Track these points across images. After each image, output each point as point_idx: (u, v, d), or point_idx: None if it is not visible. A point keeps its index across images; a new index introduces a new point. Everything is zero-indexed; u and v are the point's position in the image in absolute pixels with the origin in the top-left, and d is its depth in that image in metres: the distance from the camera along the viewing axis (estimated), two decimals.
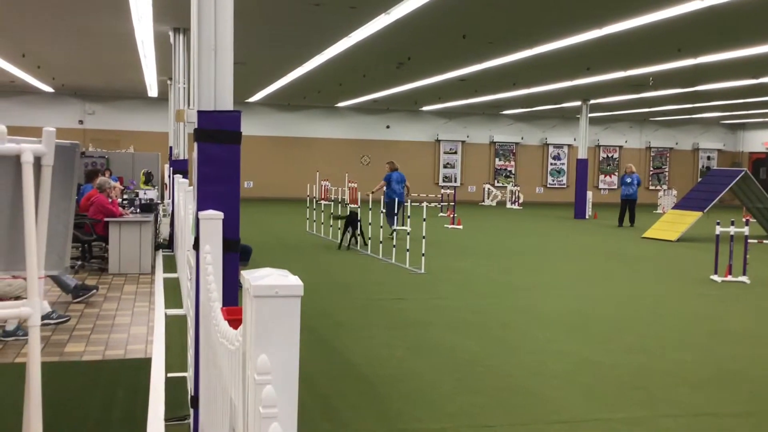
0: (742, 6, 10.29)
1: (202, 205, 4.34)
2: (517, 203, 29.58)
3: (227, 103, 4.38)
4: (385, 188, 16.70)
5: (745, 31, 12.33)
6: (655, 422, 5.07)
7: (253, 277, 1.96)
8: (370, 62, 16.84)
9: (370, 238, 14.52)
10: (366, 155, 31.92)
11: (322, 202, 20.49)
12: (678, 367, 6.52)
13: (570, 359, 6.67)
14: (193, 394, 4.54)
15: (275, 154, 30.64)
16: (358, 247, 14.27)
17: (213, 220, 4.25)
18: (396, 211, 15.62)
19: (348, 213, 14.60)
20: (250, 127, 28.25)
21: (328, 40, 13.97)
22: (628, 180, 21.65)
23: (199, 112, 4.35)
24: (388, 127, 32.08)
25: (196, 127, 4.37)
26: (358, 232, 14.39)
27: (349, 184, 26.41)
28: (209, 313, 3.58)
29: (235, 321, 2.98)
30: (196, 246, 4.32)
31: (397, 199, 15.75)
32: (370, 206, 15.16)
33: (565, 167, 34.09)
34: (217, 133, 4.33)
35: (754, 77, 17.91)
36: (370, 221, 15.03)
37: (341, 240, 14.44)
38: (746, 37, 12.85)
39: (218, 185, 4.38)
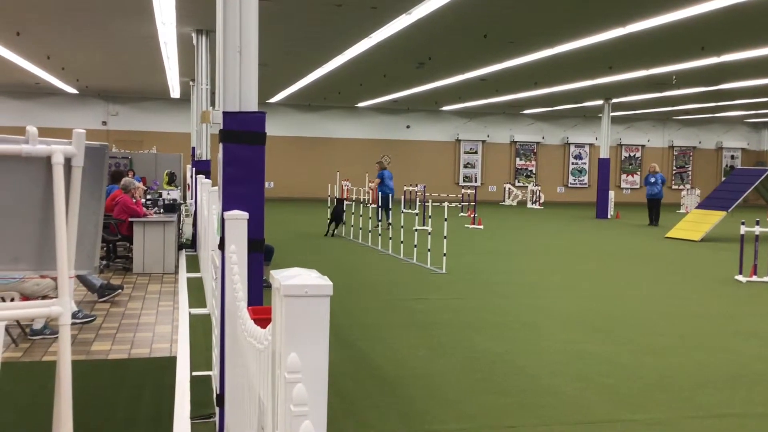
0: (765, 3, 10.18)
1: (227, 205, 4.39)
2: (538, 203, 29.45)
3: (252, 104, 4.42)
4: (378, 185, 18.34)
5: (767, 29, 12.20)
6: (679, 424, 5.04)
7: (283, 277, 1.98)
8: (391, 62, 16.86)
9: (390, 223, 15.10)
10: (386, 155, 31.93)
11: (344, 202, 20.61)
12: (702, 367, 6.46)
13: (592, 360, 6.64)
14: (218, 392, 4.59)
15: (296, 154, 30.75)
16: (342, 234, 15.96)
17: (238, 220, 4.29)
18: (390, 206, 17.49)
19: (335, 205, 16.41)
20: (270, 128, 28.36)
21: (349, 40, 14.02)
22: (652, 180, 21.55)
23: (225, 113, 4.39)
24: (408, 127, 32.07)
25: (221, 128, 4.41)
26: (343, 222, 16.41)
27: (370, 185, 26.44)
28: (235, 312, 3.62)
29: (261, 320, 3.01)
30: (222, 246, 4.37)
31: (390, 195, 17.67)
32: (390, 206, 15.17)
33: (586, 167, 33.88)
34: (243, 134, 4.37)
35: None
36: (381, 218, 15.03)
37: (327, 230, 16.38)
38: None
39: (243, 186, 4.42)
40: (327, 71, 18.49)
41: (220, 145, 4.46)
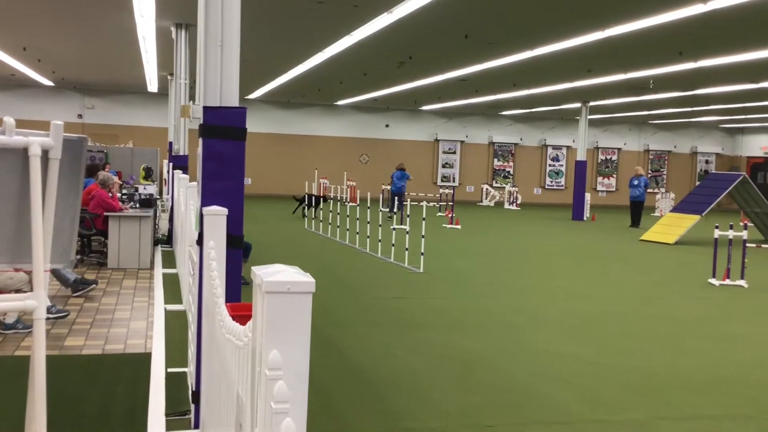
0: (743, 11, 10.31)
1: (206, 201, 4.35)
2: (515, 204, 29.60)
3: (233, 100, 4.39)
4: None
5: (745, 36, 12.35)
6: (654, 425, 5.08)
7: (265, 273, 1.96)
8: (371, 61, 16.85)
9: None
10: (365, 154, 31.93)
11: (321, 200, 20.58)
12: (677, 369, 6.53)
13: (569, 360, 6.69)
14: (194, 389, 4.55)
15: (274, 151, 30.63)
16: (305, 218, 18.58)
17: (217, 216, 4.26)
18: (396, 202, 19.76)
19: (303, 196, 19.36)
20: (249, 124, 28.12)
21: (329, 38, 13.98)
22: (636, 182, 21.93)
23: (205, 108, 4.35)
24: (387, 125, 32.08)
25: (201, 122, 4.38)
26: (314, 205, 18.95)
27: (348, 183, 26.41)
28: (213, 308, 3.59)
29: (240, 317, 2.99)
30: (200, 242, 4.33)
31: (393, 191, 20.64)
32: (368, 204, 15.17)
33: (563, 169, 34.13)
34: (223, 129, 4.34)
35: (754, 82, 17.94)
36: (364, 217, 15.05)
37: (295, 210, 19.93)
38: (746, 42, 12.88)
39: (223, 181, 4.39)
40: (307, 68, 18.43)
41: (200, 140, 4.42)
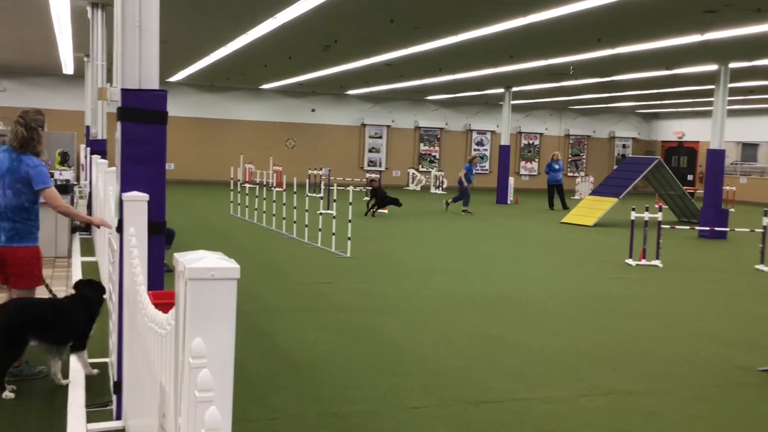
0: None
1: (126, 186, 4.23)
2: (441, 188, 29.91)
3: (153, 82, 4.27)
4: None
5: (659, 24, 12.77)
6: (574, 401, 5.25)
7: (188, 260, 1.92)
8: (297, 44, 16.66)
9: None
10: (291, 138, 31.64)
11: (247, 185, 20.21)
12: (595, 347, 6.75)
13: (494, 341, 6.82)
14: (116, 379, 4.43)
15: (197, 135, 30.01)
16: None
17: (138, 201, 4.14)
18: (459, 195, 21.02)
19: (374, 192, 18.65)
20: (170, 108, 27.34)
21: (253, 20, 13.73)
22: (556, 166, 22.54)
23: (123, 91, 4.22)
24: (313, 110, 31.85)
25: (119, 106, 4.24)
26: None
27: (274, 168, 26.13)
28: (135, 297, 3.50)
29: (162, 305, 2.92)
30: (120, 229, 4.21)
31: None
32: (295, 189, 15.05)
33: (488, 153, 34.66)
34: (143, 113, 4.22)
35: (668, 68, 18.60)
36: (293, 204, 14.92)
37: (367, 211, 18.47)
38: (661, 30, 13.32)
39: (143, 166, 4.27)
40: (230, 51, 18.08)
41: (118, 124, 4.29)
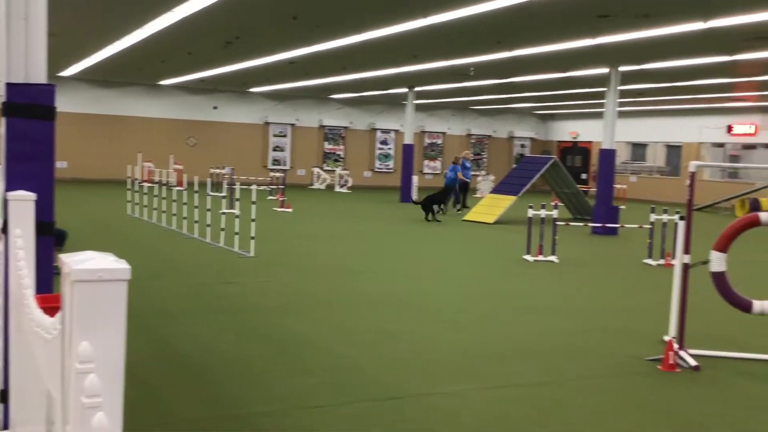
0: (555, 3, 11.03)
1: (11, 185, 4.03)
2: (345, 187, 29.98)
3: (40, 76, 4.09)
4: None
5: (556, 28, 13.24)
6: (470, 395, 5.37)
7: (74, 261, 1.85)
8: (197, 39, 16.31)
9: None
10: (192, 136, 30.95)
11: (145, 184, 19.61)
12: (495, 341, 6.94)
13: (398, 338, 6.90)
14: (1, 387, 4.22)
15: (92, 132, 28.91)
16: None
17: (24, 201, 3.95)
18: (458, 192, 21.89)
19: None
20: (63, 103, 26.32)
21: (149, 13, 13.34)
22: (468, 165, 23.04)
23: (8, 85, 4.02)
24: (215, 107, 31.26)
25: (4, 100, 4.04)
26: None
27: (175, 166, 25.48)
28: (21, 300, 3.34)
29: (51, 309, 2.80)
30: (5, 230, 4.01)
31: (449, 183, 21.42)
32: (196, 188, 14.74)
33: (392, 152, 34.98)
34: (29, 108, 4.03)
35: (563, 71, 19.31)
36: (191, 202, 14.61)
37: (426, 215, 18.68)
38: (557, 33, 13.81)
39: (30, 164, 4.09)
40: (126, 46, 17.50)
41: (3, 120, 4.08)
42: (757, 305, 6.46)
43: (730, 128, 28.89)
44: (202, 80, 26.73)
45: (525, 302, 8.93)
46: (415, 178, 25.85)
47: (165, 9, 12.77)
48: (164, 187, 15.62)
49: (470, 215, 19.13)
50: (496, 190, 20.21)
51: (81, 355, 1.72)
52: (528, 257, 12.34)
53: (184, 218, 14.03)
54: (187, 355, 6.07)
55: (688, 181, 6.64)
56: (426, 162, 36.00)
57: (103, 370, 1.80)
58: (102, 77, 27.66)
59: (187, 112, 30.82)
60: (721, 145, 30.22)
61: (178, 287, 8.88)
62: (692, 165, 6.71)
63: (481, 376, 5.83)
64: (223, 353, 6.14)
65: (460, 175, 21.78)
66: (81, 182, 27.49)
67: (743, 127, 28.50)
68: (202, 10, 12.45)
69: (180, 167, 24.89)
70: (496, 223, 18.19)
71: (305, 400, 5.09)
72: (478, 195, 29.84)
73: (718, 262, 6.42)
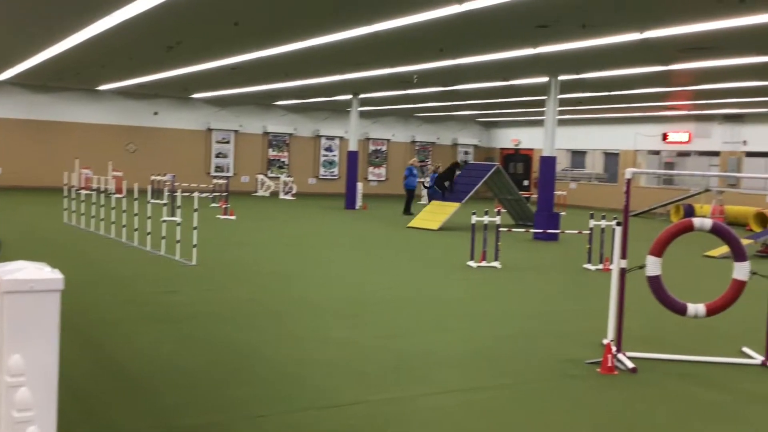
0: (496, 12, 11.19)
1: None
2: (290, 194, 29.79)
3: None
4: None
5: (497, 37, 13.44)
6: (413, 401, 5.40)
7: (4, 271, 1.80)
8: (137, 44, 16.00)
9: None
10: (132, 142, 30.34)
11: (83, 191, 19.11)
12: (436, 347, 6.98)
13: (338, 345, 6.88)
14: None
15: (27, 138, 28.08)
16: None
17: None
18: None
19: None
20: None
21: (87, 17, 13.03)
22: (415, 172, 23.32)
23: None
24: (156, 113, 30.72)
25: None
26: None
27: (114, 173, 24.91)
28: None
29: None
30: None
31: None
32: (136, 196, 14.46)
33: (336, 159, 34.93)
34: None
35: (505, 80, 19.61)
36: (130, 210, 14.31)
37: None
38: (498, 43, 14.02)
39: None
40: (63, 49, 17.05)
41: None
42: (692, 308, 6.67)
43: (665, 136, 29.75)
44: (142, 85, 26.24)
45: (468, 308, 9.02)
46: (359, 185, 25.86)
47: (104, 13, 12.51)
48: (103, 195, 15.27)
49: (415, 222, 19.23)
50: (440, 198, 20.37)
51: (12, 369, 1.67)
52: (472, 263, 12.47)
53: (124, 226, 13.73)
54: (126, 366, 5.94)
55: (624, 188, 6.82)
56: (371, 169, 36.07)
57: (36, 383, 1.74)
58: (38, 82, 26.90)
59: (126, 117, 30.20)
60: (656, 152, 31.11)
61: (117, 297, 8.69)
62: (628, 172, 6.90)
63: (422, 383, 5.85)
64: (164, 363, 6.03)
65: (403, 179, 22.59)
66: (15, 189, 26.66)
67: (678, 135, 29.38)
68: (142, 13, 12.23)
69: (119, 174, 24.35)
70: (440, 229, 18.33)
71: (246, 410, 5.04)
72: (423, 202, 30.02)
73: (653, 266, 6.61)
